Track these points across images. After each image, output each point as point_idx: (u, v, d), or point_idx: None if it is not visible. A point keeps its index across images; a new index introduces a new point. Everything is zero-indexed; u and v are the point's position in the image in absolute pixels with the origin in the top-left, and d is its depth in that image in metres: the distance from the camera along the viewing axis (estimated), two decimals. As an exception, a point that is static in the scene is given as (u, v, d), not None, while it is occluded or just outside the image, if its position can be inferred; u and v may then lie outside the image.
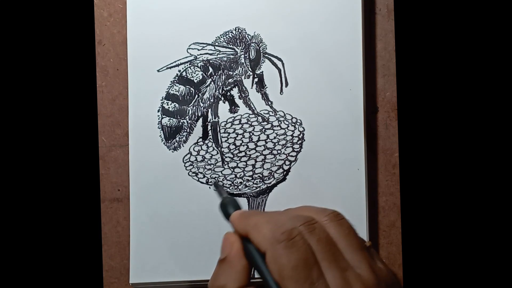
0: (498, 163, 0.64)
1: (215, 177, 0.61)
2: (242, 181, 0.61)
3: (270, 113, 0.61)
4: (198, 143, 0.61)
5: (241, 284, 0.48)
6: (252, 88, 0.62)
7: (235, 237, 0.50)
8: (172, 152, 0.61)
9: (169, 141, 0.61)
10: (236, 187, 0.61)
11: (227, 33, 0.62)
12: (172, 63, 0.62)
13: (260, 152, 0.61)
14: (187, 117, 0.62)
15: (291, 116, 0.61)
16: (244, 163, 0.61)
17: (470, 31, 0.64)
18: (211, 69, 0.62)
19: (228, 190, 0.61)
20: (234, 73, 0.62)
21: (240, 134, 0.61)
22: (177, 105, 0.62)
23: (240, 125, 0.61)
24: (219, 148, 0.61)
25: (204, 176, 0.61)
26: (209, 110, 0.62)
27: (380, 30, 0.62)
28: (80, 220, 0.65)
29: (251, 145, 0.61)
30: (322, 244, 0.47)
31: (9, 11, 0.66)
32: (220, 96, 0.62)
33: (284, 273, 0.45)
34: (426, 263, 0.63)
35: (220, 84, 0.62)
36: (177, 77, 0.62)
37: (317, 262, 0.46)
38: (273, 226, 0.47)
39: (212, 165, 0.61)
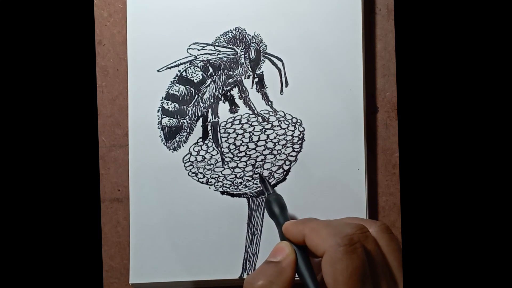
0: (499, 163, 0.64)
1: (261, 171, 0.61)
2: (242, 181, 0.61)
3: (270, 113, 0.61)
4: (198, 143, 0.61)
5: None
6: (252, 88, 0.62)
7: (291, 248, 0.50)
8: (172, 152, 0.61)
9: (169, 141, 0.61)
10: (236, 187, 0.61)
11: (227, 33, 0.62)
12: (172, 63, 0.62)
13: (260, 152, 0.61)
14: (187, 117, 0.62)
15: (291, 116, 0.61)
16: (244, 163, 0.61)
17: (471, 31, 0.64)
18: (211, 69, 0.62)
19: (228, 189, 0.61)
20: (234, 73, 0.62)
21: (240, 134, 0.61)
22: (177, 105, 0.62)
23: (240, 125, 0.61)
24: (219, 148, 0.61)
25: (204, 176, 0.61)
26: (209, 110, 0.62)
27: (380, 30, 0.62)
28: (80, 220, 0.65)
29: (251, 145, 0.61)
30: (374, 255, 0.47)
31: (9, 11, 0.66)
32: (220, 96, 0.62)
33: (340, 279, 0.45)
34: (426, 263, 0.63)
35: (220, 84, 0.62)
36: (177, 77, 0.62)
37: (370, 274, 0.46)
38: (333, 229, 0.47)
39: (212, 165, 0.61)
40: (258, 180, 0.61)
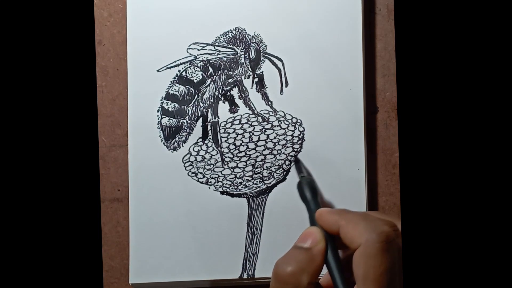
0: (499, 163, 0.64)
1: (296, 154, 0.60)
2: (242, 181, 0.61)
3: (270, 113, 0.61)
4: (198, 143, 0.61)
5: (314, 280, 0.48)
6: (252, 88, 0.62)
7: (323, 235, 0.50)
8: (172, 152, 0.61)
9: (169, 141, 0.61)
10: (236, 187, 0.61)
11: (227, 33, 0.62)
12: (172, 63, 0.62)
13: (260, 152, 0.61)
14: (186, 117, 0.62)
15: (291, 116, 0.61)
16: (244, 163, 0.61)
17: (471, 31, 0.64)
18: (211, 69, 0.62)
19: (228, 189, 0.61)
20: (234, 73, 0.62)
21: (240, 134, 0.61)
22: (176, 105, 0.62)
23: (240, 125, 0.61)
24: (219, 148, 0.61)
25: (204, 176, 0.61)
26: (209, 110, 0.62)
27: (380, 30, 0.62)
28: (80, 220, 0.65)
29: (251, 145, 0.61)
30: (401, 254, 0.47)
31: (8, 11, 0.66)
32: (220, 96, 0.62)
33: (371, 274, 0.45)
34: (426, 263, 0.63)
35: (220, 84, 0.62)
36: (177, 77, 0.62)
37: (399, 272, 0.46)
38: (370, 224, 0.47)
39: (212, 165, 0.61)
40: (257, 181, 0.60)
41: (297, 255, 0.50)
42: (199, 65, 0.62)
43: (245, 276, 0.60)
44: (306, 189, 0.55)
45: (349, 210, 0.52)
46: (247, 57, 0.62)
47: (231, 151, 0.61)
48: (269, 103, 0.61)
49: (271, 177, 0.61)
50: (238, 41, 0.62)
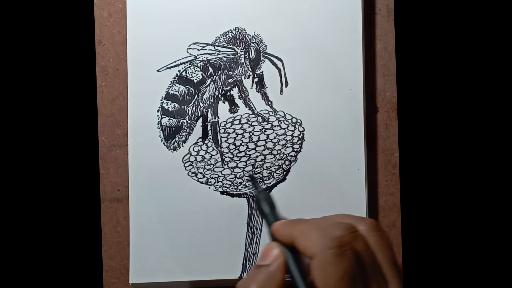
0: (499, 163, 0.63)
1: (252, 170, 0.60)
2: (242, 181, 0.61)
3: (270, 113, 0.61)
4: (198, 143, 0.61)
5: None
6: (252, 88, 0.62)
7: (280, 249, 0.50)
8: (172, 152, 0.61)
9: (169, 141, 0.61)
10: (236, 187, 0.61)
11: (227, 33, 0.62)
12: (172, 63, 0.62)
13: (260, 152, 0.61)
14: (186, 117, 0.62)
15: (291, 116, 0.61)
16: (244, 163, 0.61)
17: (471, 31, 0.64)
18: (211, 69, 0.62)
19: (228, 189, 0.61)
20: (234, 73, 0.62)
21: (240, 134, 0.61)
22: (176, 105, 0.62)
23: (240, 125, 0.61)
24: (219, 148, 0.61)
25: (204, 176, 0.61)
26: (209, 110, 0.62)
27: (380, 30, 0.62)
28: (80, 220, 0.64)
29: (251, 145, 0.61)
30: (363, 255, 0.47)
31: (9, 11, 0.66)
32: (220, 96, 0.62)
33: (330, 282, 0.45)
34: (426, 263, 0.63)
35: (220, 84, 0.62)
36: (177, 77, 0.62)
37: (360, 275, 0.46)
38: (322, 232, 0.47)
39: (212, 165, 0.61)
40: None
41: (257, 274, 0.49)
42: (199, 65, 0.62)
43: (245, 276, 0.60)
44: (264, 203, 0.55)
45: (303, 220, 0.52)
46: (247, 57, 0.62)
47: (231, 151, 0.61)
48: (269, 103, 0.61)
49: (271, 177, 0.61)
50: (238, 41, 0.62)
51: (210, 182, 0.61)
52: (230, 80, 0.62)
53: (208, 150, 0.61)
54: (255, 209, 0.57)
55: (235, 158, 0.61)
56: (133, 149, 0.61)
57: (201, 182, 0.61)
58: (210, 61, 0.62)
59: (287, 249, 0.50)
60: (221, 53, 0.62)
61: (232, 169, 0.61)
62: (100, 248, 0.62)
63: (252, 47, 0.62)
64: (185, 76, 0.62)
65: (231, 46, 0.62)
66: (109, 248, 0.62)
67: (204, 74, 0.62)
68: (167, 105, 0.62)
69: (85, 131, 0.64)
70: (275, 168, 0.61)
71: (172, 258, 0.60)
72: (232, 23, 0.62)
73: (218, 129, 0.61)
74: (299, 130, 0.61)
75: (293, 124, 0.61)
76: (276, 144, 0.61)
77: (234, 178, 0.61)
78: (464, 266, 0.63)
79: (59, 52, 0.66)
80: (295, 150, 0.61)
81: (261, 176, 0.61)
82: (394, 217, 0.61)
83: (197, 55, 0.62)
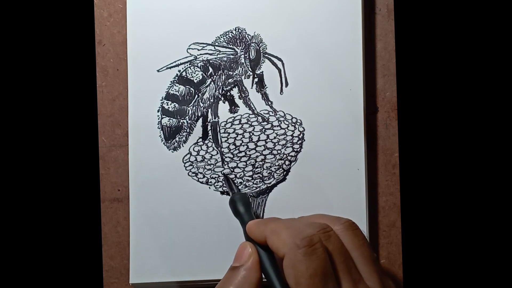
0: (498, 163, 0.63)
1: (227, 172, 0.61)
2: (242, 181, 0.61)
3: (270, 113, 0.61)
4: (198, 143, 0.61)
5: None
6: (252, 88, 0.62)
7: (253, 248, 0.50)
8: (172, 152, 0.61)
9: (169, 141, 0.61)
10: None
11: (227, 33, 0.62)
12: (172, 63, 0.62)
13: (260, 152, 0.61)
14: (187, 117, 0.62)
15: (291, 116, 0.61)
16: (244, 163, 0.61)
17: (470, 31, 0.64)
18: (211, 69, 0.62)
19: (226, 189, 0.61)
20: (234, 73, 0.62)
21: (240, 134, 0.61)
22: (177, 105, 0.62)
23: (240, 125, 0.61)
24: (219, 148, 0.61)
25: (204, 176, 0.61)
26: (209, 110, 0.62)
27: (380, 30, 0.62)
28: (80, 220, 0.65)
29: (251, 145, 0.61)
30: (337, 253, 0.47)
31: (9, 11, 0.66)
32: (220, 96, 0.62)
33: (301, 280, 0.45)
34: (426, 263, 0.63)
35: (220, 84, 0.62)
36: (177, 77, 0.62)
37: (333, 273, 0.46)
38: (293, 231, 0.47)
39: (212, 165, 0.61)
40: (257, 181, 0.60)
41: (232, 276, 0.49)
42: (199, 65, 0.62)
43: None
44: (239, 204, 0.55)
45: (275, 219, 0.52)
46: (247, 57, 0.62)
47: (231, 151, 0.61)
48: (269, 103, 0.61)
49: (271, 177, 0.61)
50: (238, 41, 0.62)
51: (210, 182, 0.61)
52: (230, 80, 0.62)
53: (208, 150, 0.61)
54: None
55: (235, 158, 0.61)
56: (133, 149, 0.61)
57: (201, 182, 0.61)
58: (210, 61, 0.62)
59: (262, 249, 0.50)
60: (221, 53, 0.62)
61: (232, 169, 0.61)
62: (100, 248, 0.62)
63: (252, 47, 0.62)
64: (185, 76, 0.62)
65: (231, 46, 0.62)
66: (109, 248, 0.62)
67: (204, 74, 0.62)
68: (167, 105, 0.62)
69: (85, 131, 0.64)
70: (275, 168, 0.61)
71: (172, 258, 0.60)
72: (232, 23, 0.62)
73: (218, 129, 0.62)
74: (299, 130, 0.61)
75: (293, 124, 0.61)
76: (276, 144, 0.61)
77: (234, 178, 0.61)
78: (464, 265, 0.63)
79: (59, 52, 0.66)
80: (295, 150, 0.61)
81: (261, 176, 0.61)
82: (394, 217, 0.61)
83: (197, 55, 0.62)
